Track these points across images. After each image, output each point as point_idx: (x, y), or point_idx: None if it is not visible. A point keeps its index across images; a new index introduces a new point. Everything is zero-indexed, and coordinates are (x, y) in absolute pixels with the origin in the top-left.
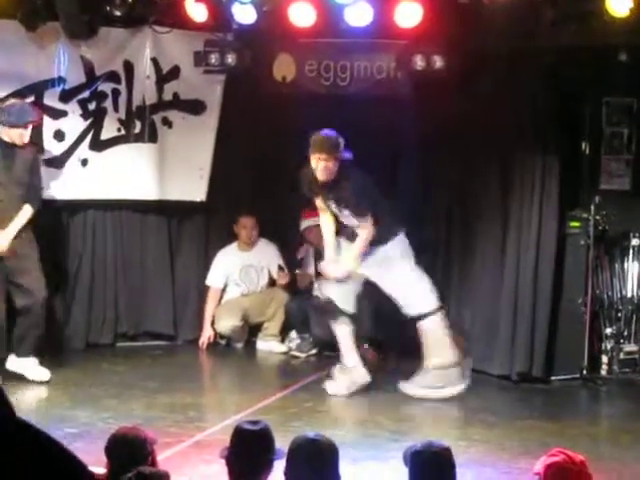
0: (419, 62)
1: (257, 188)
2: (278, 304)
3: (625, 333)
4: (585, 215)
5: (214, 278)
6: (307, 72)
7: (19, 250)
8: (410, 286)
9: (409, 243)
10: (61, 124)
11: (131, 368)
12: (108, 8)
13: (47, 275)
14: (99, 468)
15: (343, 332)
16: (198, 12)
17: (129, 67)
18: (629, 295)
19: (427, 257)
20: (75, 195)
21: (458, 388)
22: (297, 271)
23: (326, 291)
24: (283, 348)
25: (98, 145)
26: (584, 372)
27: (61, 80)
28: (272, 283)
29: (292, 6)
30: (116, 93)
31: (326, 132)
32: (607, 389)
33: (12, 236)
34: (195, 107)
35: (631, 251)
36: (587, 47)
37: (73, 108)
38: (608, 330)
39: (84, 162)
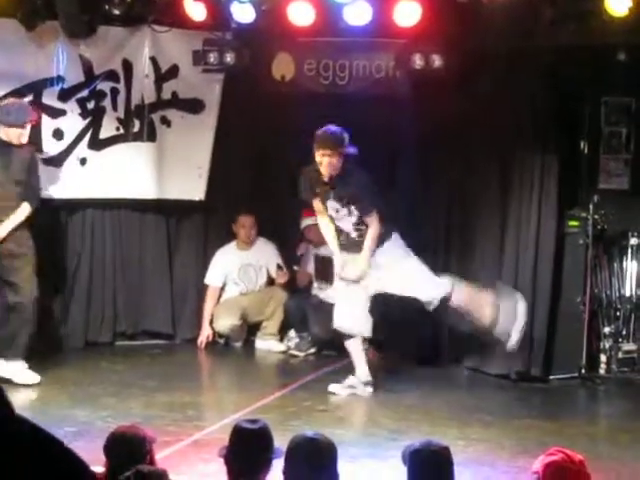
0: (418, 61)
1: (256, 187)
2: (277, 303)
3: (624, 332)
4: (584, 214)
5: (213, 277)
6: (306, 71)
7: (15, 249)
8: (423, 275)
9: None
10: (60, 123)
11: (130, 367)
12: (107, 7)
13: (46, 274)
14: (98, 467)
15: (355, 346)
16: (197, 11)
17: (128, 66)
18: (627, 294)
19: (426, 256)
20: (74, 194)
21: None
22: (295, 267)
23: (342, 319)
24: (282, 347)
25: (97, 144)
26: (583, 371)
27: (60, 79)
28: (271, 282)
29: (291, 5)
30: (115, 92)
31: (331, 128)
32: (605, 388)
33: (7, 231)
34: (194, 106)
35: (630, 250)
36: (586, 47)
37: (72, 107)
38: (607, 329)
39: (83, 161)
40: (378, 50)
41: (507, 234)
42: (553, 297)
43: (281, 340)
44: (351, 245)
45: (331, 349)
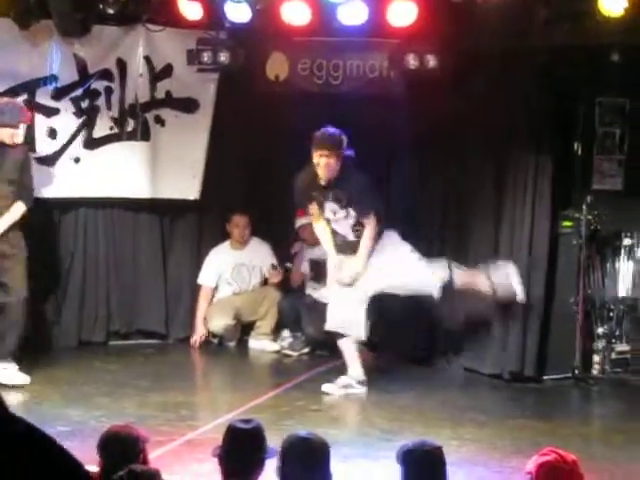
0: (412, 61)
1: (250, 187)
2: (270, 303)
3: (617, 333)
4: (577, 215)
5: (206, 277)
6: (300, 71)
7: (8, 250)
8: (420, 270)
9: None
10: (54, 122)
11: (123, 366)
12: (101, 6)
13: (39, 273)
14: (91, 466)
15: (348, 346)
16: (191, 10)
17: (122, 65)
18: (621, 295)
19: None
20: (67, 193)
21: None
22: (288, 264)
23: (335, 320)
24: (275, 347)
25: (91, 143)
26: (576, 372)
27: (54, 78)
28: (264, 282)
29: (285, 5)
30: (109, 91)
31: (329, 129)
32: (599, 389)
33: (2, 231)
34: (188, 105)
35: (623, 251)
36: (580, 47)
37: (66, 106)
38: (600, 330)
39: (77, 160)
40: (372, 50)
41: (501, 234)
42: (546, 297)
43: (275, 340)
44: (347, 247)
45: (325, 349)
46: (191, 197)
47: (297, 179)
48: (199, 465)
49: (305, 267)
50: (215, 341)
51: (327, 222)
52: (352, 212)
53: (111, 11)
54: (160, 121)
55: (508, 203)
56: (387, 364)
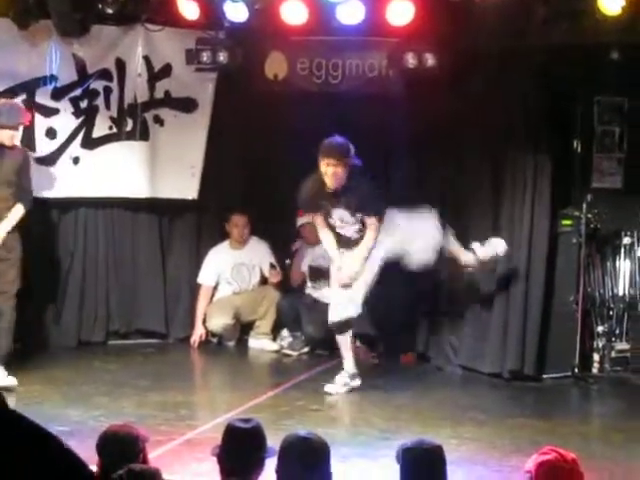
0: (411, 60)
1: (249, 186)
2: (270, 302)
3: (617, 331)
4: (577, 213)
5: (206, 276)
6: (299, 70)
7: (4, 254)
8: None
9: None
10: (53, 122)
11: (123, 366)
12: (100, 6)
13: (38, 273)
14: (91, 466)
15: (346, 340)
16: (190, 10)
17: (121, 65)
18: (621, 293)
19: None
20: (67, 193)
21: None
22: (287, 261)
23: (337, 312)
24: (275, 346)
25: (90, 143)
26: (576, 370)
27: (53, 78)
28: (264, 281)
29: (284, 4)
30: (108, 91)
31: (336, 138)
32: (598, 387)
33: (4, 233)
34: (187, 105)
35: (622, 249)
36: (579, 46)
37: (65, 106)
38: (600, 328)
39: (76, 160)
40: (371, 49)
41: (500, 233)
42: (546, 296)
43: (274, 339)
44: (349, 243)
45: (324, 348)
46: (190, 197)
47: (303, 187)
48: (198, 464)
49: (305, 265)
50: (214, 340)
51: (333, 229)
52: (359, 217)
53: (110, 11)
54: (159, 121)
55: (507, 202)
56: (385, 363)
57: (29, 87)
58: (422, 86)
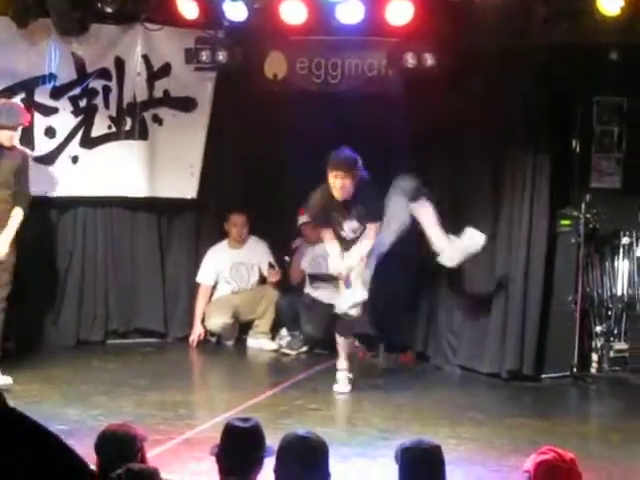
0: (410, 60)
1: (248, 185)
2: (269, 302)
3: (615, 331)
4: (576, 213)
5: (204, 275)
6: (298, 70)
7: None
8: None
9: None
10: (52, 121)
11: (121, 365)
12: (99, 5)
13: (37, 273)
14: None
15: (346, 342)
16: (189, 9)
17: (120, 64)
18: (619, 293)
19: None
20: (65, 192)
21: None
22: (287, 258)
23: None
24: (273, 346)
25: (89, 142)
26: (574, 370)
27: (52, 77)
28: (263, 281)
29: (283, 3)
30: (107, 90)
31: (344, 150)
32: (597, 387)
33: (9, 241)
34: (186, 104)
35: (621, 249)
36: (578, 46)
37: (64, 105)
38: (598, 328)
39: (75, 159)
40: (370, 49)
41: (499, 233)
42: (545, 296)
43: (273, 339)
44: (349, 244)
45: (323, 348)
46: (189, 196)
47: (312, 201)
48: (197, 464)
49: (305, 263)
50: (213, 340)
51: (343, 239)
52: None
53: (109, 10)
54: (158, 120)
55: (506, 202)
56: (384, 363)
57: (28, 86)
58: (421, 86)
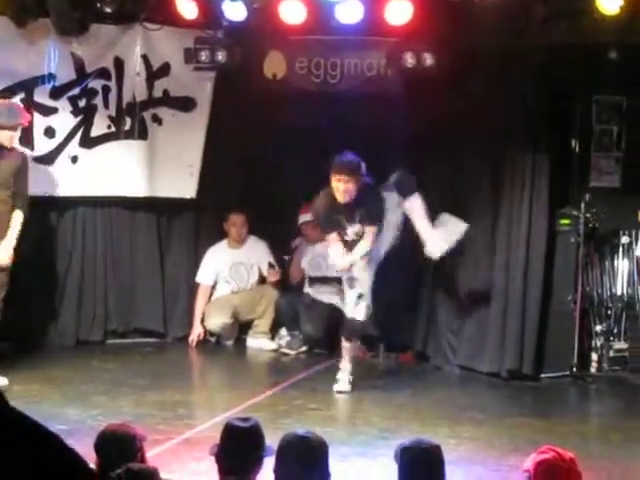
0: (409, 60)
1: (247, 185)
2: (268, 301)
3: (615, 331)
4: (575, 213)
5: (204, 275)
6: (297, 69)
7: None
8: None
9: None
10: (51, 121)
11: (121, 365)
12: (99, 5)
13: (36, 273)
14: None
15: (351, 346)
16: (188, 9)
17: (119, 64)
18: (619, 293)
19: None
20: (65, 192)
21: None
22: (286, 257)
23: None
24: (273, 345)
25: (88, 142)
26: (574, 370)
27: (51, 77)
28: (262, 280)
29: (282, 3)
30: (106, 90)
31: (347, 154)
32: (597, 387)
33: (12, 247)
34: (185, 104)
35: (621, 249)
36: (578, 45)
37: (63, 105)
38: (598, 328)
39: (74, 159)
40: (369, 48)
41: (498, 233)
42: (544, 295)
43: (272, 338)
44: (350, 246)
45: (322, 347)
46: (188, 196)
47: (316, 206)
48: (197, 463)
49: (305, 262)
50: (213, 340)
51: (345, 242)
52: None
53: (109, 10)
54: (157, 120)
55: (505, 202)
56: (384, 362)
57: (27, 86)
58: (421, 86)
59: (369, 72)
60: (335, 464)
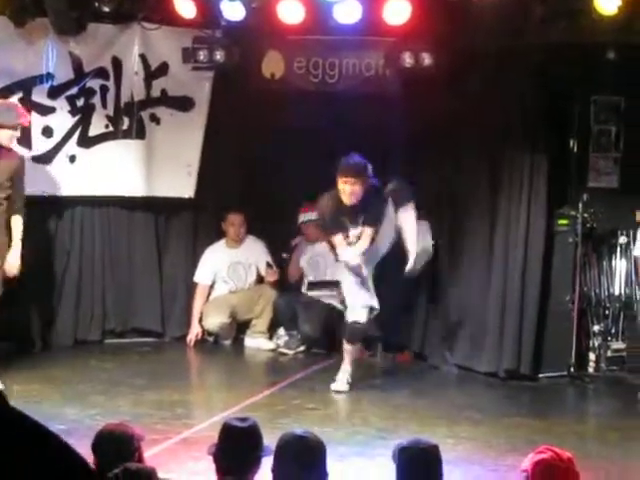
0: (408, 59)
1: (245, 185)
2: (266, 301)
3: (612, 331)
4: (573, 213)
5: (202, 275)
6: (296, 69)
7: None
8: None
9: None
10: (49, 120)
11: (119, 365)
12: (97, 4)
13: (35, 272)
14: None
15: (353, 349)
16: (187, 9)
17: (117, 63)
18: (617, 293)
19: None
20: (63, 191)
21: None
22: (285, 255)
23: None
24: (271, 345)
25: (86, 141)
26: (572, 369)
27: (49, 76)
28: (260, 280)
29: (281, 3)
30: (104, 89)
31: (354, 156)
32: (594, 387)
33: (19, 255)
34: (183, 104)
35: (619, 249)
36: (576, 45)
37: (61, 104)
38: (596, 327)
39: (72, 158)
40: (368, 48)
41: (496, 233)
42: (542, 295)
43: (270, 338)
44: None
45: (320, 347)
46: (186, 195)
47: (321, 207)
48: (195, 463)
49: (303, 260)
50: (211, 339)
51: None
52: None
53: (107, 9)
54: (155, 119)
55: (503, 202)
56: (382, 362)
57: (25, 85)
58: (419, 85)
59: (367, 72)
60: (333, 464)
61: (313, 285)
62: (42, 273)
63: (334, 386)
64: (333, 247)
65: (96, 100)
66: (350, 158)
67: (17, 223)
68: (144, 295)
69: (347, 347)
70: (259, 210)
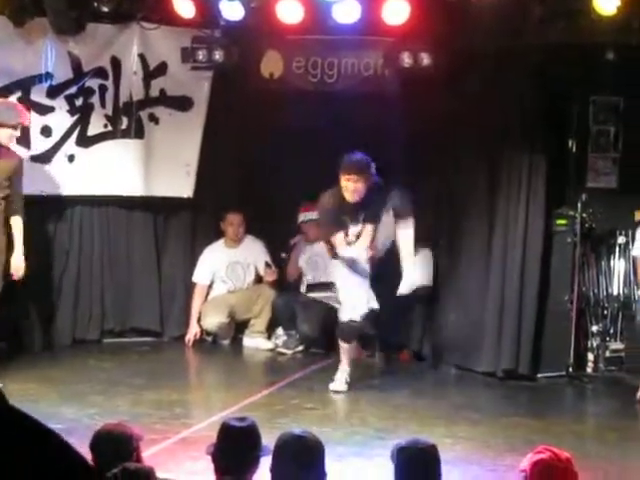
0: (406, 59)
1: (244, 185)
2: (265, 301)
3: (611, 331)
4: (572, 213)
5: (201, 275)
6: (295, 69)
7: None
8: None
9: None
10: (48, 120)
11: (117, 364)
12: (96, 4)
13: (33, 272)
14: None
15: (349, 348)
16: (186, 8)
17: (116, 63)
18: (615, 293)
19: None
20: (62, 191)
21: None
22: (284, 255)
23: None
24: (270, 345)
25: (85, 141)
26: (570, 370)
27: (48, 76)
28: (259, 280)
29: (280, 3)
30: (103, 89)
31: (356, 154)
32: (593, 387)
33: (22, 257)
34: (182, 103)
35: (617, 249)
36: (575, 45)
37: (60, 104)
38: (594, 328)
39: (71, 158)
40: (367, 48)
41: (495, 233)
42: (541, 296)
43: (269, 338)
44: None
45: (319, 347)
46: (185, 195)
47: (323, 204)
48: (193, 463)
49: (302, 259)
50: (209, 339)
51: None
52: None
53: (106, 9)
54: (154, 119)
55: (502, 202)
56: (380, 362)
57: (24, 85)
58: (418, 85)
59: (366, 72)
60: (331, 464)
61: (312, 287)
62: (41, 272)
63: (332, 386)
64: (330, 246)
65: (95, 100)
66: (353, 155)
67: (17, 224)
68: (143, 295)
69: (343, 346)
70: (258, 210)
